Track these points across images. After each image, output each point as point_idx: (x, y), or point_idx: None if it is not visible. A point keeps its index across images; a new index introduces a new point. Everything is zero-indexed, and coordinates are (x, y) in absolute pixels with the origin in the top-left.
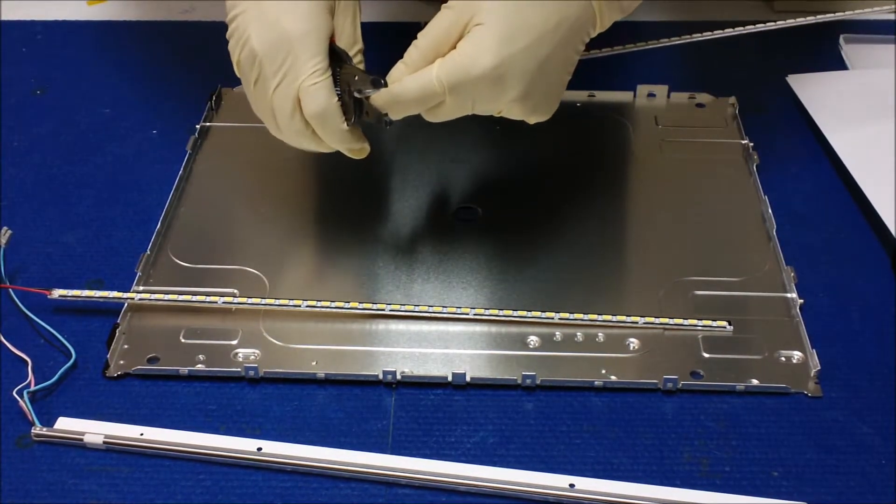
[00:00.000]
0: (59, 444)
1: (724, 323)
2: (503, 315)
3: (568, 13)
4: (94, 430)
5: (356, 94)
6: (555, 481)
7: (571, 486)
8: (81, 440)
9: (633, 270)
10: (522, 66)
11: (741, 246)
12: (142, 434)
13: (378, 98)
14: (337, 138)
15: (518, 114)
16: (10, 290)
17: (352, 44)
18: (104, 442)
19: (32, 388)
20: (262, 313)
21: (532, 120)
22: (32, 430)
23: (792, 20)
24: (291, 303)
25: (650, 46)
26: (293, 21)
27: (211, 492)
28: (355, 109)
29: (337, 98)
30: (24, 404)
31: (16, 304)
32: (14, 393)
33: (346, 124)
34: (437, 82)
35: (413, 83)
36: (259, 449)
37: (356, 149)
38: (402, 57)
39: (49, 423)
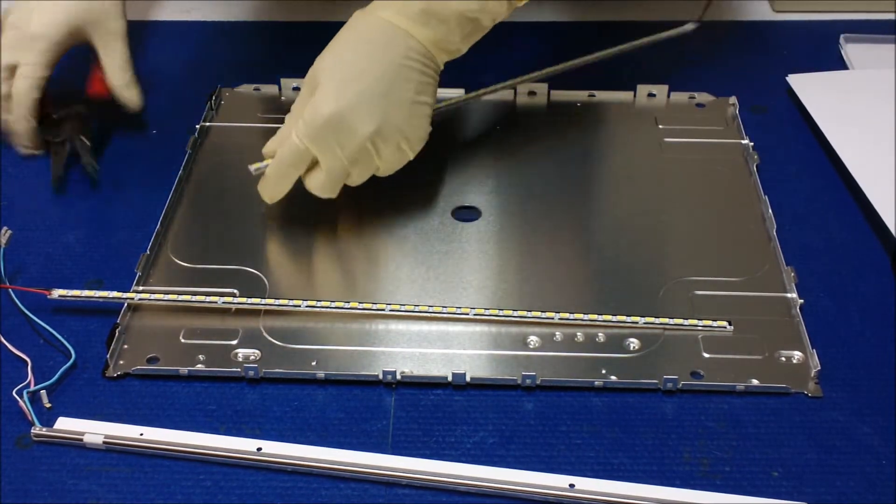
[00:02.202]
0: (59, 445)
1: (724, 323)
2: (503, 315)
3: (393, 58)
4: (94, 431)
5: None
6: (555, 481)
7: (571, 485)
8: (81, 440)
9: (633, 270)
10: (364, 104)
11: (741, 246)
12: (141, 434)
13: (267, 171)
14: (15, 125)
15: (393, 152)
16: (10, 290)
17: (119, 74)
18: (104, 442)
19: (32, 388)
20: (262, 313)
21: (411, 154)
22: (32, 430)
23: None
24: (291, 303)
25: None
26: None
27: (211, 492)
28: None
29: (37, 96)
30: (24, 404)
31: (16, 305)
32: (14, 393)
33: (31, 122)
34: (297, 139)
35: (283, 149)
36: (259, 449)
37: (24, 148)
38: None
39: (49, 423)
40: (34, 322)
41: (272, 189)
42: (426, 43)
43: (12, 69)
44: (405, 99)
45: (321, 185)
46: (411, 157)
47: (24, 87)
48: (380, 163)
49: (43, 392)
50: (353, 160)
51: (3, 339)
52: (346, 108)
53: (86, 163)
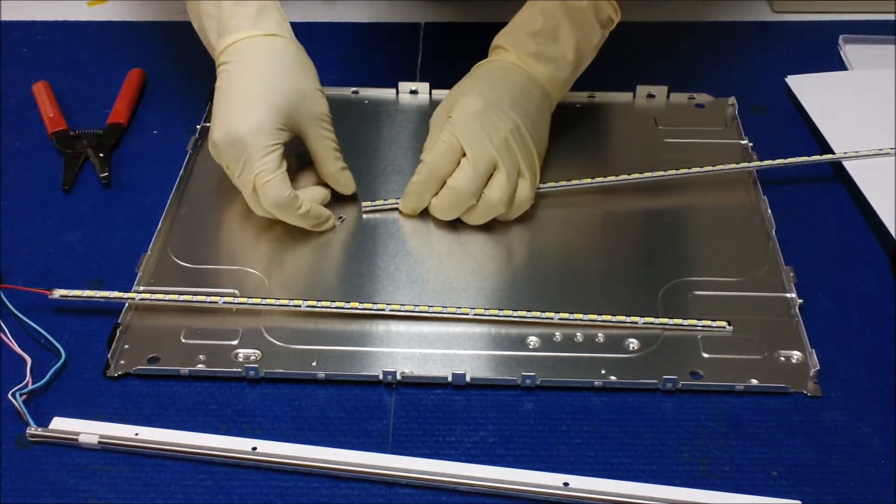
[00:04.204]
0: (55, 445)
1: (724, 323)
2: (503, 315)
3: (517, 80)
4: (89, 430)
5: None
6: (557, 480)
7: (565, 484)
8: (76, 440)
9: (633, 270)
10: (504, 104)
11: (741, 246)
12: (137, 434)
13: (412, 181)
14: (296, 221)
15: (528, 152)
16: (4, 290)
17: (332, 162)
18: (99, 442)
19: (29, 388)
20: (263, 313)
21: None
22: (27, 431)
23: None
24: (291, 303)
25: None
26: (246, 123)
27: (211, 491)
28: None
29: (290, 191)
30: (18, 405)
31: (6, 305)
32: (9, 395)
33: (302, 209)
34: (447, 136)
35: (431, 154)
36: (254, 448)
37: (318, 225)
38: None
39: (47, 423)
40: (25, 323)
41: (415, 201)
42: (541, 78)
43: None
44: (531, 109)
45: (468, 180)
46: (539, 167)
47: (273, 190)
48: (522, 164)
49: (41, 392)
50: (499, 150)
51: (4, 338)
52: (489, 105)
53: (99, 174)
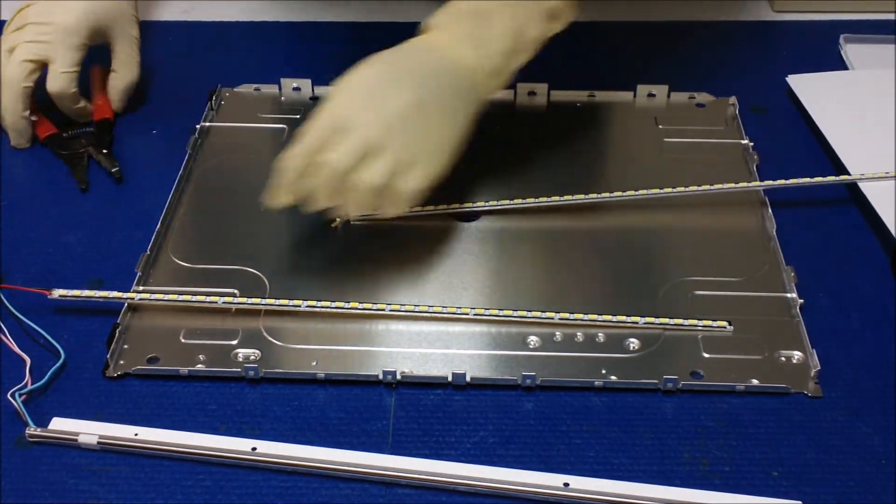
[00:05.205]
0: (54, 445)
1: (724, 323)
2: (503, 315)
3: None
4: (89, 431)
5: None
6: (557, 481)
7: (566, 484)
8: (76, 440)
9: (633, 270)
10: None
11: (741, 246)
12: (136, 434)
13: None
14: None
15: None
16: (3, 290)
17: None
18: (98, 442)
19: (29, 388)
20: (263, 313)
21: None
22: (26, 431)
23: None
24: (291, 303)
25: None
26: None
27: (211, 492)
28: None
29: (76, 89)
30: (17, 405)
31: (5, 305)
32: (8, 395)
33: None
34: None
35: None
36: (253, 449)
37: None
38: None
39: (46, 423)
40: (24, 323)
41: (282, 192)
42: (467, 62)
43: (41, 64)
44: (445, 93)
45: (338, 155)
46: (442, 162)
47: (64, 83)
48: (417, 150)
49: (40, 392)
50: (384, 127)
51: (4, 339)
52: (385, 75)
53: (109, 169)
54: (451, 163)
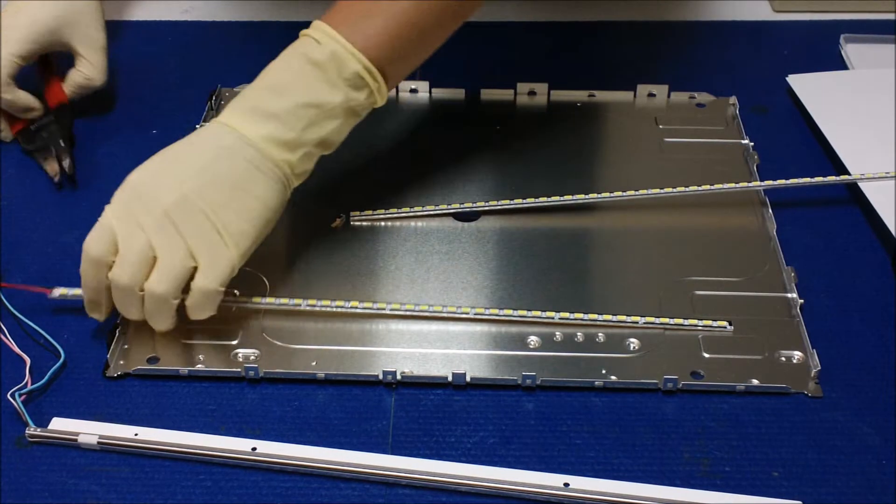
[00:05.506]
0: (54, 445)
1: (725, 323)
2: (503, 315)
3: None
4: (89, 431)
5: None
6: (558, 481)
7: (566, 485)
8: (75, 441)
9: (633, 270)
10: (171, 174)
11: (741, 246)
12: (136, 434)
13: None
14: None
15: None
16: (3, 290)
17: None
18: (98, 442)
19: (29, 388)
20: (263, 313)
21: (232, 248)
22: (26, 431)
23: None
24: (291, 303)
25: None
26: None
27: (211, 492)
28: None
29: (10, 72)
30: (17, 405)
31: (6, 306)
32: (8, 395)
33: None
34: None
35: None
36: (253, 449)
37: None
38: None
39: (46, 423)
40: (24, 323)
41: (92, 307)
42: (256, 139)
43: None
44: (225, 181)
45: (121, 269)
46: (233, 252)
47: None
48: (194, 247)
49: (40, 392)
50: (152, 230)
51: (4, 339)
52: (155, 174)
53: (66, 165)
54: (250, 250)
